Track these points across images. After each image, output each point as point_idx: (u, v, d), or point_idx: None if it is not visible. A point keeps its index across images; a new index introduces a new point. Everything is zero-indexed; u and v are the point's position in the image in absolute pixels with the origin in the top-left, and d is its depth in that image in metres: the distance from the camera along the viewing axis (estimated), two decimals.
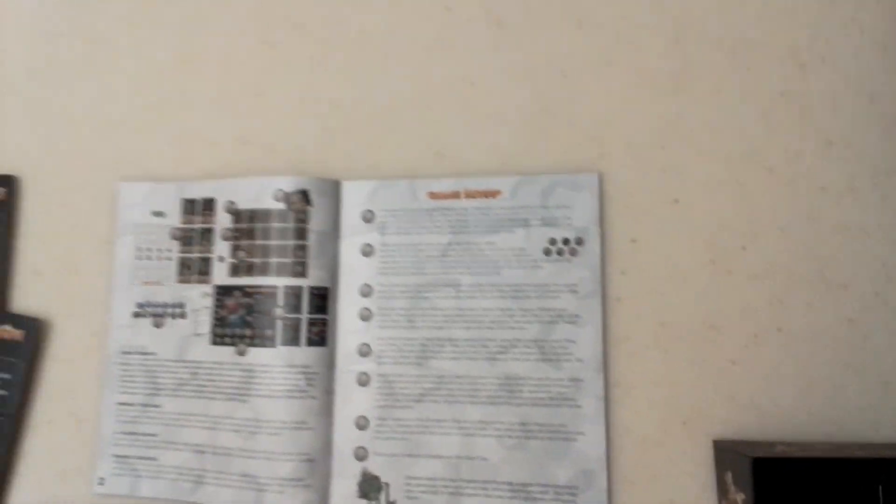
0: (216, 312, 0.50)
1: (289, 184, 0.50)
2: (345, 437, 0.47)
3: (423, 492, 0.45)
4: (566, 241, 0.47)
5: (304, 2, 0.54)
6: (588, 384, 0.45)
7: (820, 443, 0.42)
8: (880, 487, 0.34)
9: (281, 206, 0.50)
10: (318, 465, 0.47)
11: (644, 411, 0.44)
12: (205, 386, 0.49)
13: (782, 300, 0.44)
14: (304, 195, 0.50)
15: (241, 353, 0.49)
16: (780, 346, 0.44)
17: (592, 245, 0.47)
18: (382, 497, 0.46)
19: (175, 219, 0.52)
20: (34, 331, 0.53)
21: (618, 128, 0.48)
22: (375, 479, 0.46)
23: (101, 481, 0.50)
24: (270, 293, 0.49)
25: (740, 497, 0.36)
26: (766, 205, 0.45)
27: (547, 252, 0.47)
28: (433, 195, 0.49)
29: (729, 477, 0.39)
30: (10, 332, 0.53)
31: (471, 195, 0.49)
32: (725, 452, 0.41)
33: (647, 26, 0.48)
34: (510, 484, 0.45)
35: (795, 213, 0.45)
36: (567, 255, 0.47)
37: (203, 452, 0.48)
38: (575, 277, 0.46)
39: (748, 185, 0.46)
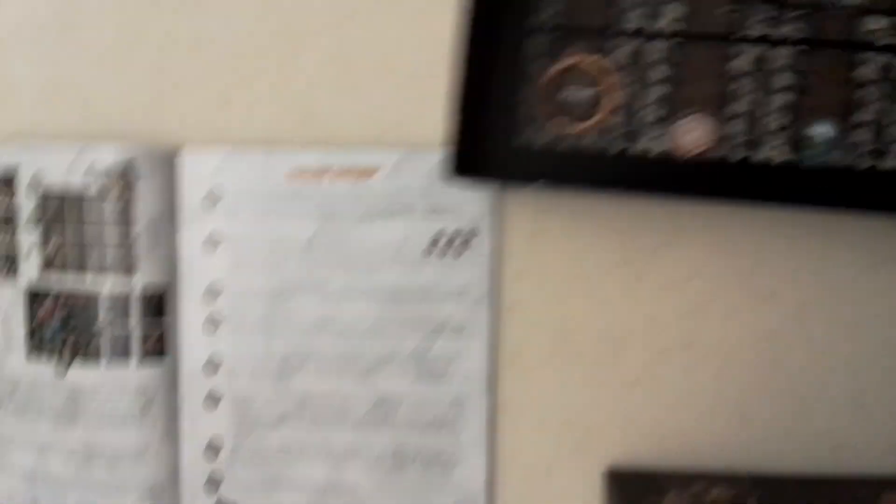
0: (30, 319, 0.41)
1: (108, 154, 0.39)
2: (195, 465, 0.41)
3: None
4: (456, 234, 0.39)
5: None
6: (471, 405, 0.39)
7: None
8: None
9: (98, 182, 0.39)
10: (165, 496, 0.41)
11: (533, 436, 0.39)
12: (27, 405, 0.41)
13: (695, 311, 0.38)
14: (129, 168, 0.39)
15: (63, 370, 0.40)
16: (688, 364, 0.38)
17: (487, 239, 0.39)
18: None
19: None
20: None
21: None
22: None
23: None
24: (92, 295, 0.40)
25: None
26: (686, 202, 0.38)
27: (433, 246, 0.39)
28: (295, 173, 0.40)
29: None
30: None
31: (342, 174, 0.39)
32: (630, 481, 0.36)
33: None
34: None
35: (717, 211, 0.38)
36: (456, 252, 0.39)
37: (35, 479, 0.41)
38: (463, 279, 0.39)
39: None
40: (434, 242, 0.39)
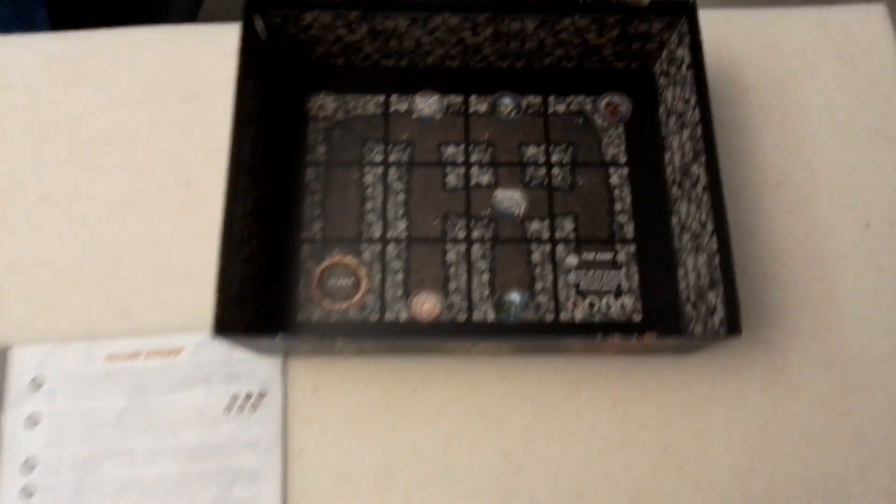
0: None
1: None
2: None
3: None
4: (248, 396, 0.48)
5: None
6: None
7: None
8: None
9: None
10: None
11: None
12: None
13: (451, 440, 0.48)
14: None
15: None
16: (447, 485, 0.47)
17: (275, 396, 0.48)
18: None
19: None
20: None
21: None
22: None
23: None
24: None
25: None
26: (430, 356, 0.50)
27: (228, 408, 0.48)
28: (111, 357, 0.48)
29: None
30: None
31: (152, 355, 0.49)
32: None
33: None
34: None
35: (454, 362, 0.50)
36: (249, 410, 0.48)
37: None
38: (255, 433, 0.47)
39: None
40: (230, 404, 0.48)
